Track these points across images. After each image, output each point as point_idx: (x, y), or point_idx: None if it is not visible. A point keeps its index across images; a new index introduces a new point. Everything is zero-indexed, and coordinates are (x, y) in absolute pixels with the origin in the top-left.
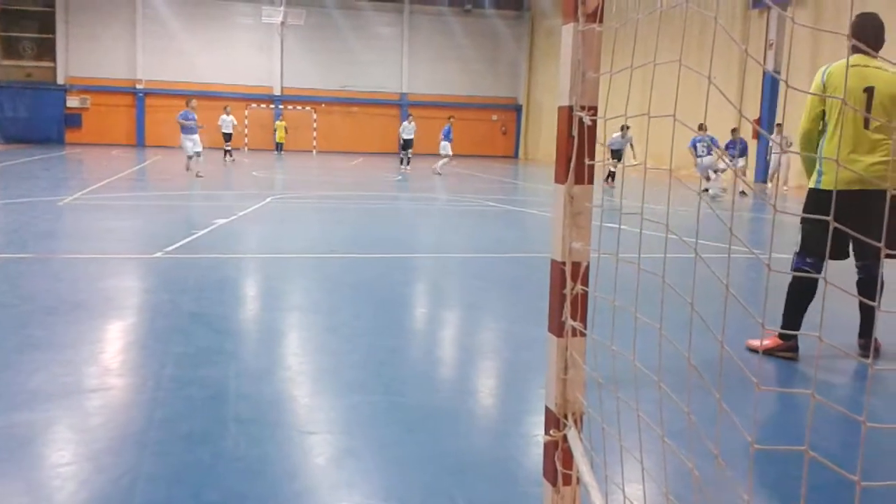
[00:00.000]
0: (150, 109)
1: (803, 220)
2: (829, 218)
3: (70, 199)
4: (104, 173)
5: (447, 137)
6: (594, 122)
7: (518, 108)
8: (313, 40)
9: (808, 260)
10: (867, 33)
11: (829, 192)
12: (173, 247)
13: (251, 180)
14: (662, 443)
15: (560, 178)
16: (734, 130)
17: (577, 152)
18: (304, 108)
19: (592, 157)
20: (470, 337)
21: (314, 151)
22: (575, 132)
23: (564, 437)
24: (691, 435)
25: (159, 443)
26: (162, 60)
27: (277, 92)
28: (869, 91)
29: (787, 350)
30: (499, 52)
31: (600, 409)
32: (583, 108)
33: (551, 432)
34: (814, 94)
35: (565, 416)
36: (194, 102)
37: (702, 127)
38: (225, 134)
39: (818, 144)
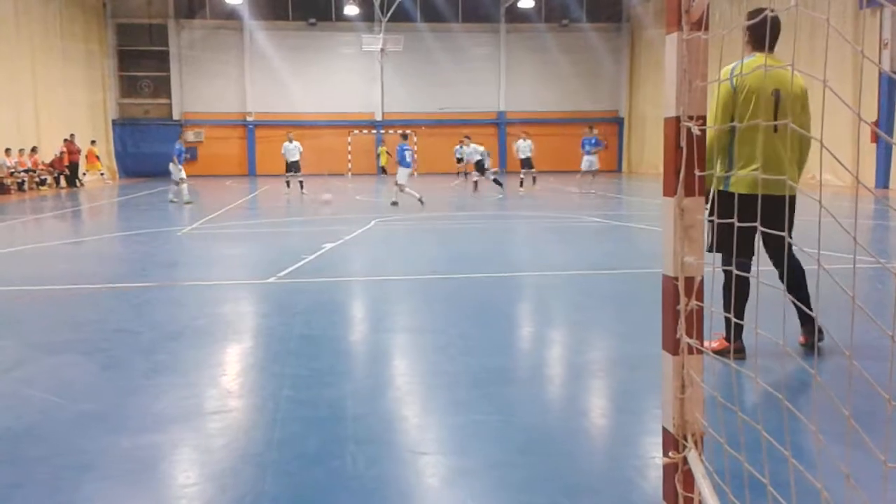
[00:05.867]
0: (260, 140)
1: (719, 225)
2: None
3: (189, 229)
4: (219, 203)
5: (404, 161)
6: (703, 131)
7: (620, 121)
8: (411, 65)
9: (738, 260)
10: (764, 30)
11: (741, 195)
12: (285, 272)
13: (355, 204)
14: (789, 463)
15: (669, 190)
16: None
17: (686, 163)
18: (404, 131)
19: (702, 167)
20: (579, 355)
21: (415, 174)
22: (683, 143)
23: (684, 459)
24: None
25: (279, 463)
26: (269, 92)
27: (378, 118)
28: (776, 94)
29: (735, 351)
30: (598, 66)
31: (721, 429)
32: (690, 118)
33: (670, 454)
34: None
35: (684, 437)
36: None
37: (591, 127)
38: (291, 162)
39: (728, 147)
